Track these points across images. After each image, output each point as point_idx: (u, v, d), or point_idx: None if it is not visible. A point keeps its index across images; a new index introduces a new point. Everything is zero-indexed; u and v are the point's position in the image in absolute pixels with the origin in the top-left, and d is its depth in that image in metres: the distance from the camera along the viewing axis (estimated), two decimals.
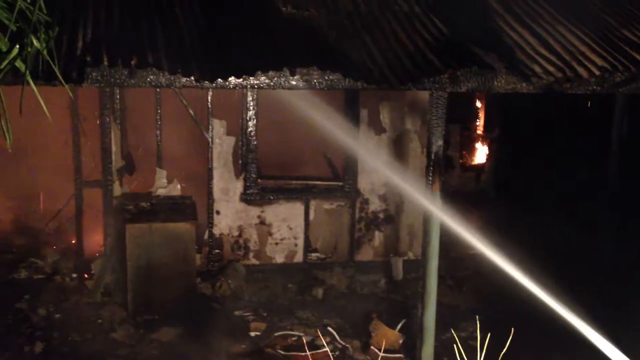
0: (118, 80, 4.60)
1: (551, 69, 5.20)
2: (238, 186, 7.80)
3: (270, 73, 4.75)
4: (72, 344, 6.32)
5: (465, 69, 4.93)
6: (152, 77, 4.63)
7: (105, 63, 4.53)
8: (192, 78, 4.63)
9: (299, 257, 8.03)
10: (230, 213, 7.83)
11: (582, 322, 5.45)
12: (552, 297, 5.68)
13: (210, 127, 7.63)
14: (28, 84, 2.78)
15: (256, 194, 7.83)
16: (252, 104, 7.65)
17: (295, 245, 8.01)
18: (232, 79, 4.70)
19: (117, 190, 7.52)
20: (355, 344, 6.43)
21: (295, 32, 5.40)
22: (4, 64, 2.74)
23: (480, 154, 11.24)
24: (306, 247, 8.03)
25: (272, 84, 4.80)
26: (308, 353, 5.96)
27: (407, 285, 7.72)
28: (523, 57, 5.31)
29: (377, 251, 8.19)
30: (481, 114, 11.29)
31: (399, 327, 6.61)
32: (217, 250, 7.83)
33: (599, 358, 5.29)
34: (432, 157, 5.27)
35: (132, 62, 4.58)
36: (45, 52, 2.80)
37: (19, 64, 2.79)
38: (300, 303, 7.35)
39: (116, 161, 7.50)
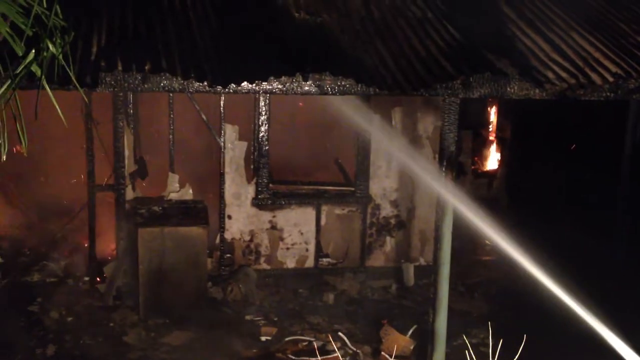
0: (132, 85, 4.65)
1: (564, 75, 5.19)
2: (250, 191, 7.82)
3: (283, 78, 4.78)
4: (83, 347, 6.35)
5: (477, 75, 4.93)
6: (165, 82, 4.67)
7: (119, 68, 4.58)
8: (205, 83, 4.66)
9: (310, 262, 8.04)
10: (241, 217, 7.85)
11: (595, 328, 5.42)
12: (564, 303, 5.65)
13: (222, 131, 7.65)
14: (43, 88, 2.80)
15: (268, 199, 7.84)
16: (264, 109, 7.67)
17: (307, 250, 8.02)
18: (245, 84, 4.72)
19: (129, 194, 7.56)
20: (365, 350, 6.42)
21: (308, 37, 5.43)
22: (20, 68, 2.76)
23: (493, 160, 11.19)
24: (317, 252, 8.03)
25: (284, 89, 4.82)
26: (319, 358, 5.96)
27: (419, 291, 7.70)
28: (536, 63, 5.30)
29: (389, 257, 8.18)
30: (493, 120, 11.25)
31: (410, 333, 6.60)
32: (228, 255, 7.85)
33: None
34: (445, 163, 5.26)
35: (146, 67, 4.62)
36: (60, 56, 2.82)
37: (34, 68, 2.82)
38: (311, 308, 7.34)
39: (129, 165, 7.54)
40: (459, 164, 10.29)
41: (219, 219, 7.76)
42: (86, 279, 7.50)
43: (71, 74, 3.01)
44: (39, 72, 2.81)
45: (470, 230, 6.71)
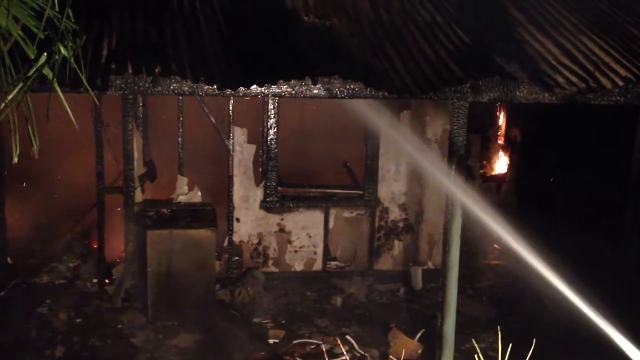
0: (142, 88, 4.67)
1: (574, 79, 5.17)
2: (258, 194, 7.83)
3: (292, 82, 4.79)
4: (92, 348, 6.38)
5: (486, 78, 4.93)
6: (175, 85, 4.69)
7: (130, 71, 4.59)
8: (215, 86, 4.68)
9: (318, 265, 8.04)
10: (249, 220, 7.87)
11: (606, 332, 5.39)
12: (574, 307, 5.62)
13: (231, 134, 7.67)
14: (55, 91, 2.82)
15: (276, 202, 7.85)
16: (273, 112, 7.68)
17: (315, 253, 8.02)
18: (254, 87, 4.73)
19: (138, 196, 7.58)
20: (373, 353, 6.41)
21: (317, 41, 5.43)
22: (32, 71, 2.78)
23: (502, 164, 11.16)
24: (325, 255, 8.04)
25: (293, 92, 4.83)
26: None
27: (427, 295, 7.69)
28: (546, 67, 5.28)
29: (397, 260, 8.17)
30: (502, 124, 11.23)
31: (418, 336, 6.59)
32: (236, 258, 7.87)
33: None
34: (453, 166, 5.26)
35: (156, 70, 4.64)
36: (72, 60, 2.84)
37: (46, 71, 2.84)
38: (319, 311, 7.34)
39: (138, 168, 7.56)
40: (467, 168, 10.27)
41: (227, 221, 7.77)
42: (95, 280, 7.53)
43: (82, 77, 3.02)
44: (50, 75, 2.82)
45: (478, 234, 6.72)
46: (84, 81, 3.11)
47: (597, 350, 5.46)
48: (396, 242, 8.15)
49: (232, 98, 7.43)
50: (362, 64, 5.11)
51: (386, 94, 4.89)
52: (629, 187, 8.27)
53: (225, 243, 7.82)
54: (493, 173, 11.22)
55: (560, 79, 5.14)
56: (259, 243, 7.91)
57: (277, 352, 6.44)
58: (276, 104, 7.66)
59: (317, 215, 7.95)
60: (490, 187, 10.92)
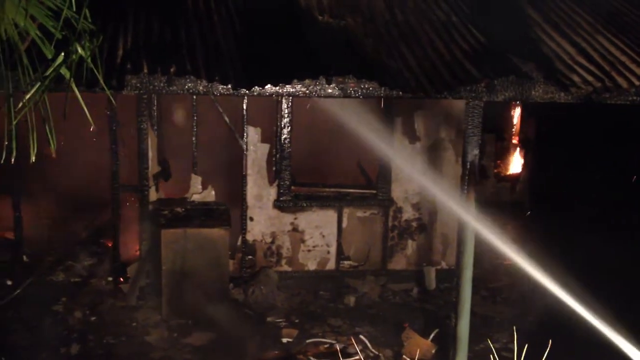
0: (157, 88, 4.68)
1: (590, 78, 5.13)
2: (271, 193, 7.85)
3: (307, 81, 4.78)
4: (107, 346, 6.42)
5: (502, 78, 4.90)
6: (190, 84, 4.70)
7: (145, 71, 4.61)
8: (229, 86, 4.68)
9: (331, 265, 8.04)
10: (263, 219, 7.88)
11: (620, 336, 5.35)
12: (588, 310, 5.59)
13: (245, 134, 7.69)
14: (72, 90, 2.84)
15: (289, 201, 7.86)
16: (286, 111, 7.69)
17: (328, 252, 8.03)
18: (268, 86, 4.74)
19: (153, 195, 7.63)
20: (387, 353, 6.41)
21: (332, 40, 5.42)
22: (49, 70, 2.80)
23: (516, 163, 11.12)
24: (339, 254, 8.04)
25: (308, 91, 4.83)
26: None
27: (440, 295, 7.67)
28: (561, 66, 5.25)
29: (410, 260, 8.16)
30: (516, 124, 11.18)
31: (431, 336, 6.57)
32: (249, 257, 7.89)
33: None
34: (468, 166, 5.24)
35: (171, 70, 4.65)
36: (89, 60, 2.86)
37: (63, 70, 2.86)
38: (332, 310, 7.35)
39: (152, 167, 7.61)
40: (481, 168, 10.25)
41: (240, 220, 7.80)
42: (110, 279, 7.57)
43: (99, 77, 3.04)
44: (67, 75, 2.84)
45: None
46: (101, 81, 3.13)
47: (612, 351, 5.42)
48: (410, 241, 8.13)
49: (245, 97, 7.45)
50: (377, 64, 5.10)
51: (400, 93, 4.88)
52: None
53: (239, 242, 7.84)
54: (507, 173, 11.18)
55: (576, 78, 5.11)
56: (273, 242, 7.93)
57: (291, 351, 6.44)
58: (290, 103, 7.67)
59: (331, 215, 7.95)
60: (504, 187, 10.88)
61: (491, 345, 6.04)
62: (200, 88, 4.72)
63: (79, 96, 2.88)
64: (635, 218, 8.40)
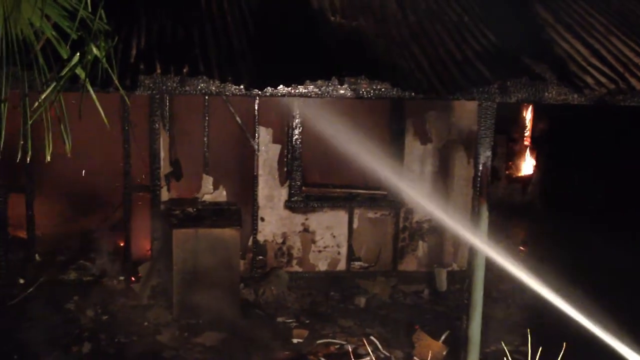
0: (169, 88, 4.71)
1: (603, 80, 5.11)
2: (282, 193, 7.86)
3: (319, 82, 4.80)
4: (118, 345, 6.44)
5: (515, 79, 4.89)
6: (202, 84, 4.72)
7: (158, 71, 4.63)
8: (242, 86, 4.70)
9: (342, 266, 8.04)
10: (274, 220, 7.89)
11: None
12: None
13: (256, 134, 7.71)
14: (87, 90, 2.85)
15: (300, 202, 7.87)
16: (298, 112, 7.70)
17: (339, 253, 8.02)
18: (281, 87, 4.75)
19: (164, 195, 7.65)
20: (397, 354, 6.40)
21: (344, 41, 5.43)
22: (65, 70, 2.82)
23: (527, 165, 11.06)
24: (349, 255, 8.04)
25: (320, 92, 4.84)
26: None
27: (451, 297, 7.65)
28: (575, 68, 5.23)
29: (421, 261, 8.15)
30: (528, 125, 11.13)
31: (442, 338, 6.55)
32: (260, 257, 7.90)
33: None
34: (480, 167, 5.23)
35: (184, 70, 4.67)
36: (104, 60, 2.88)
37: (79, 70, 2.88)
38: (343, 311, 7.34)
39: (164, 167, 7.63)
40: (492, 169, 10.19)
41: (251, 221, 7.81)
42: (121, 278, 7.60)
43: (114, 77, 3.06)
44: (83, 75, 2.86)
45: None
46: (116, 81, 3.15)
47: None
48: (420, 243, 8.12)
49: (257, 98, 7.46)
50: (389, 65, 5.11)
51: (413, 94, 4.88)
52: None
53: (250, 242, 7.85)
54: (519, 174, 11.12)
55: (589, 80, 5.09)
56: (283, 242, 7.94)
57: (302, 351, 6.45)
58: (301, 104, 7.68)
59: (342, 215, 7.95)
60: (515, 189, 10.82)
61: (505, 348, 6.02)
62: (213, 88, 4.74)
63: (94, 96, 2.89)
64: None
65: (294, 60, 5.02)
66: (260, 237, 7.88)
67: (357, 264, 8.06)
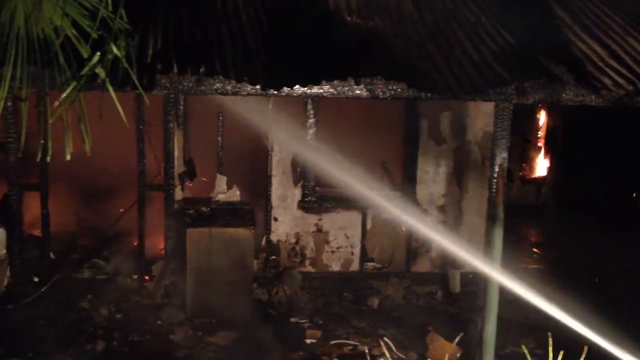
0: (186, 88, 4.71)
1: (621, 81, 5.08)
2: (296, 193, 7.85)
3: (335, 82, 4.79)
4: (132, 344, 6.45)
5: (532, 80, 4.86)
6: (218, 84, 4.72)
7: (175, 70, 4.63)
8: (258, 86, 4.70)
9: (355, 266, 8.03)
10: (287, 220, 7.89)
11: None
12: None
13: (270, 134, 7.70)
14: (107, 90, 2.86)
15: (314, 202, 7.86)
16: (312, 112, 7.69)
17: (352, 254, 8.01)
18: (297, 87, 4.75)
19: (178, 194, 7.66)
20: (411, 356, 6.37)
21: (360, 41, 5.42)
22: (85, 70, 2.82)
23: (541, 166, 11.01)
24: (362, 256, 8.02)
25: (336, 92, 4.83)
26: None
27: (465, 298, 7.61)
28: (592, 69, 5.20)
29: (434, 263, 8.12)
30: (542, 126, 11.07)
31: (456, 340, 6.52)
32: (273, 257, 7.89)
33: None
34: (496, 169, 5.20)
35: (201, 70, 4.67)
36: (124, 59, 2.88)
37: (99, 70, 2.88)
38: (356, 312, 7.32)
39: (178, 166, 7.64)
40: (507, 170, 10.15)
41: (265, 221, 7.81)
42: (135, 276, 7.61)
43: (133, 76, 3.07)
44: (103, 74, 2.86)
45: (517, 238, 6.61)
46: (135, 81, 3.15)
47: None
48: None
49: (271, 98, 7.44)
50: (405, 65, 5.09)
51: (429, 95, 4.86)
52: None
53: (263, 242, 7.85)
54: (532, 176, 11.07)
55: (607, 81, 5.06)
56: (297, 243, 7.93)
57: (315, 352, 6.43)
58: (315, 104, 7.67)
59: (355, 216, 7.94)
60: (529, 190, 10.78)
61: (516, 350, 5.99)
62: (229, 88, 4.74)
63: (113, 96, 2.90)
64: None
65: (310, 60, 5.01)
66: (274, 237, 7.88)
67: (370, 264, 8.04)
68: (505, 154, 5.21)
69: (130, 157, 7.73)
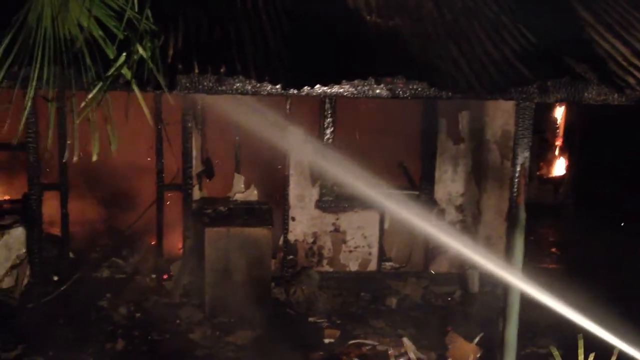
0: (206, 88, 4.70)
1: None
2: (314, 193, 7.84)
3: (356, 81, 4.78)
4: (151, 342, 6.48)
5: (555, 79, 4.82)
6: (238, 84, 4.72)
7: (196, 70, 4.63)
8: (279, 86, 4.69)
9: (372, 266, 8.01)
10: (305, 220, 7.88)
11: None
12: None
13: (288, 134, 7.69)
14: (132, 90, 2.86)
15: (331, 202, 7.85)
16: (329, 111, 7.68)
17: (370, 253, 7.99)
18: (317, 86, 4.73)
19: (196, 194, 7.67)
20: (431, 356, 6.35)
21: (380, 40, 5.40)
22: (112, 70, 2.83)
23: (559, 165, 10.94)
24: (380, 256, 8.00)
25: (356, 92, 4.82)
26: None
27: (483, 298, 7.57)
28: (615, 67, 5.15)
29: (453, 262, 8.07)
30: (561, 124, 10.99)
31: (476, 340, 6.48)
32: (291, 256, 7.89)
33: None
34: (518, 168, 5.16)
35: (221, 70, 4.67)
36: (149, 60, 2.88)
37: (124, 70, 2.89)
38: (374, 312, 7.31)
39: (196, 166, 7.66)
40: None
41: (282, 220, 7.81)
42: (153, 276, 7.64)
43: (159, 77, 3.07)
44: (129, 75, 2.87)
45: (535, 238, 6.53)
46: (161, 81, 3.15)
47: None
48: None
49: (289, 97, 7.44)
50: (426, 64, 5.06)
51: (450, 94, 4.83)
52: None
53: (281, 242, 7.85)
54: (551, 175, 11.00)
55: (631, 80, 5.01)
56: (314, 242, 7.92)
57: (334, 351, 6.43)
58: (333, 103, 7.65)
59: (373, 216, 7.91)
60: (547, 189, 10.71)
61: (555, 352, 5.92)
62: (249, 88, 4.74)
63: (139, 96, 2.90)
64: None
65: (331, 60, 4.99)
66: (291, 237, 7.87)
67: (388, 264, 8.02)
68: (527, 154, 5.17)
69: (148, 156, 7.76)
